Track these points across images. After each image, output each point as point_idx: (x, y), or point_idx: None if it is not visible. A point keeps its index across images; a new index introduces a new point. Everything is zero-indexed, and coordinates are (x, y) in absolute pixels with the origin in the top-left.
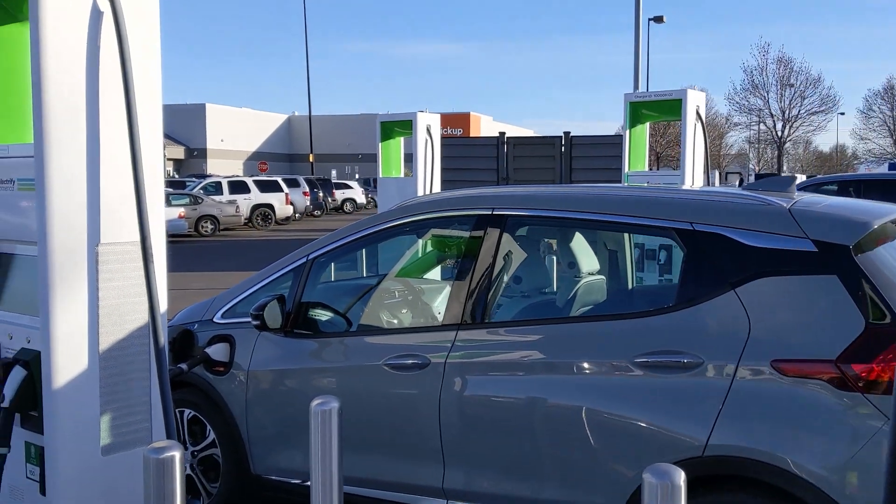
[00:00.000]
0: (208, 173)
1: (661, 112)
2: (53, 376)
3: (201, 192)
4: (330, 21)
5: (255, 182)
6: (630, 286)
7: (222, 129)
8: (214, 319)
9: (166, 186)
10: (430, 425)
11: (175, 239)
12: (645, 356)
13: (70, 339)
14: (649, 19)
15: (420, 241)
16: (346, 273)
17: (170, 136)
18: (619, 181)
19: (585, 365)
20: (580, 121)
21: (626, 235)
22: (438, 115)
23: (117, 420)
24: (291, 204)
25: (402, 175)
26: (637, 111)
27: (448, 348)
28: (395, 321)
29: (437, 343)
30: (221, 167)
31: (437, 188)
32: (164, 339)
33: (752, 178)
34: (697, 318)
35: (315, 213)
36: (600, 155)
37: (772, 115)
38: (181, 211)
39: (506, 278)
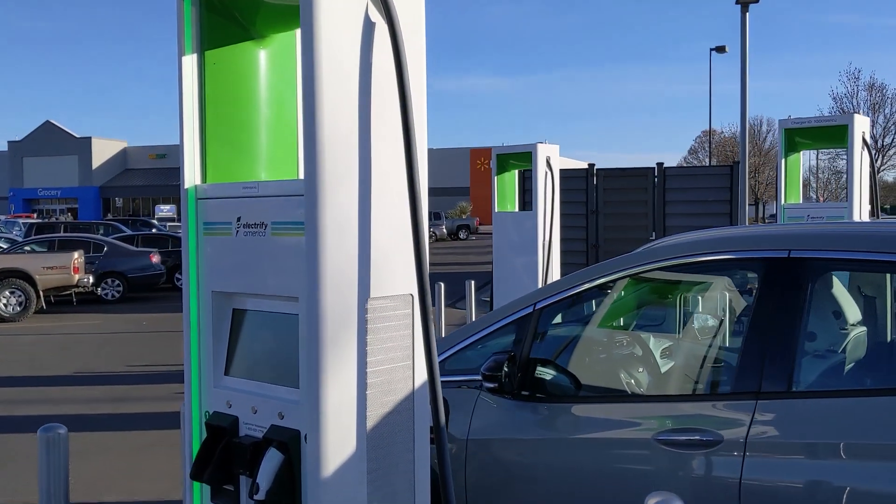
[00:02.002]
0: None
1: (820, 140)
2: (322, 461)
3: None
4: None
5: None
6: None
7: None
8: None
9: None
10: None
11: None
12: None
13: (340, 414)
14: (711, 49)
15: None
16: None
17: None
18: (723, 216)
19: None
20: (637, 153)
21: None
22: (557, 147)
23: None
24: None
25: (516, 209)
26: (792, 139)
27: (747, 423)
28: (632, 381)
29: (729, 415)
30: None
31: (557, 223)
32: (443, 414)
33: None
34: None
35: None
36: (696, 187)
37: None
38: None
39: (812, 336)
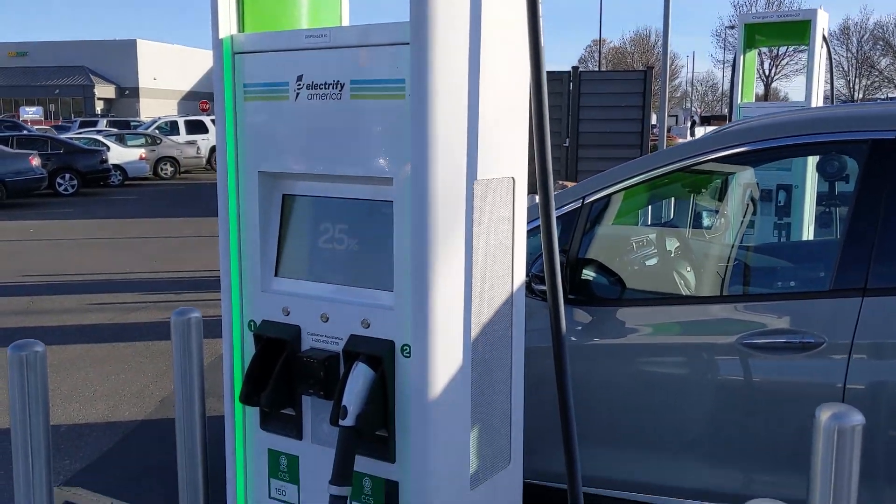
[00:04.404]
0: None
1: (780, 36)
2: (430, 378)
3: (157, 132)
4: None
5: (214, 121)
6: None
7: (154, 66)
8: None
9: (108, 126)
10: None
11: (136, 183)
12: None
13: (448, 321)
14: None
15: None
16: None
17: (98, 74)
18: (636, 121)
19: None
20: None
21: None
22: None
23: (484, 436)
24: None
25: None
26: (752, 35)
27: (853, 323)
28: (683, 282)
29: (830, 315)
30: (154, 107)
31: None
32: (564, 318)
33: (692, 120)
34: None
35: None
36: (610, 92)
37: (759, 53)
38: (142, 152)
39: None
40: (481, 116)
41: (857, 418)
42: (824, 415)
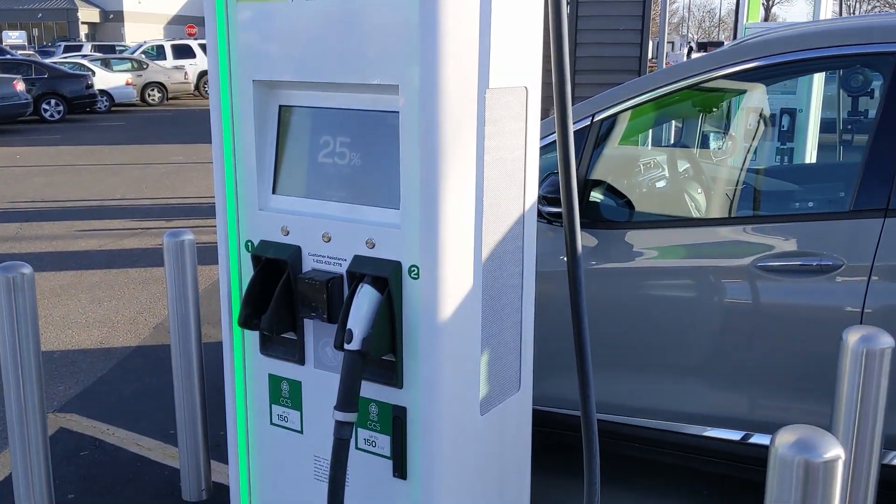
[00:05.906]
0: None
1: None
2: (440, 300)
3: (142, 56)
4: None
5: (201, 46)
6: None
7: None
8: None
9: (93, 50)
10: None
11: (123, 108)
12: None
13: (458, 241)
14: None
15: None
16: None
17: None
18: (633, 45)
19: None
20: None
21: None
22: None
23: (494, 360)
24: None
25: None
26: None
27: (874, 245)
28: (694, 204)
29: (849, 237)
30: (140, 32)
31: None
32: (580, 239)
33: (689, 47)
34: None
35: None
36: (609, 14)
37: None
38: (128, 77)
39: None
40: (493, 20)
41: (887, 341)
42: (852, 337)
